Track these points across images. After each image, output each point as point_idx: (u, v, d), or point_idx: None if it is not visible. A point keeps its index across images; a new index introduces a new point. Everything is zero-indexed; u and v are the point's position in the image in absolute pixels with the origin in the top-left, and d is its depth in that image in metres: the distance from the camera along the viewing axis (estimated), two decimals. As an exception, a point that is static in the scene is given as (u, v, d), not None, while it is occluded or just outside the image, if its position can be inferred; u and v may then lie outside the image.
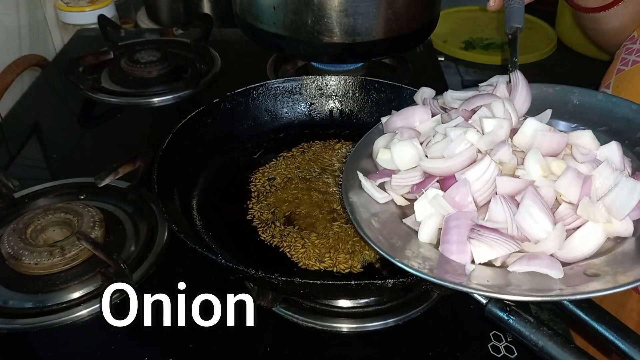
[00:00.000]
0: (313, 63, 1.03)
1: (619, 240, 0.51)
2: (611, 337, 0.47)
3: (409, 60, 1.10)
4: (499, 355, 0.58)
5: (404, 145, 0.58)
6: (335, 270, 0.62)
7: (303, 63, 1.08)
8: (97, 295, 0.63)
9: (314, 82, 0.85)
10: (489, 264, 0.50)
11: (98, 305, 0.62)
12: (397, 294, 0.64)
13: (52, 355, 0.59)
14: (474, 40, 1.43)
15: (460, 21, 1.53)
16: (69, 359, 0.59)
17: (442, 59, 1.35)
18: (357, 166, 0.61)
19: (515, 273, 0.49)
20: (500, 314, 0.48)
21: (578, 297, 0.45)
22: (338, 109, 0.86)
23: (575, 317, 0.49)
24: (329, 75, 0.86)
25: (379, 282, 0.53)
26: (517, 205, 0.51)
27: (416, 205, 0.54)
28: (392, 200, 0.58)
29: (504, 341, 0.59)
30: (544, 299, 0.46)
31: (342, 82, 0.85)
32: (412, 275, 0.49)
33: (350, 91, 0.86)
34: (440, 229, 0.53)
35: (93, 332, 0.61)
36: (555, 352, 0.45)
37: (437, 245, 0.53)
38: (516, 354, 0.58)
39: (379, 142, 0.63)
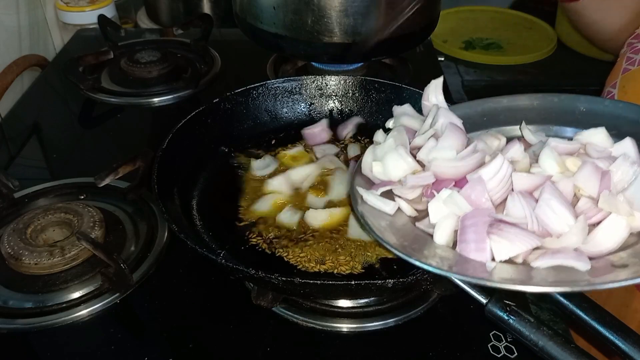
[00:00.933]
0: (313, 63, 1.03)
1: None
2: (611, 337, 0.47)
3: (409, 60, 1.10)
4: (499, 355, 0.58)
5: (395, 155, 0.57)
6: (336, 272, 0.62)
7: (303, 63, 1.08)
8: (97, 295, 0.64)
9: (314, 82, 0.85)
10: (509, 261, 0.49)
11: (98, 305, 0.62)
12: (397, 294, 0.64)
13: (52, 355, 0.59)
14: (474, 40, 1.43)
15: (460, 21, 1.53)
16: (69, 359, 0.59)
17: (442, 59, 1.35)
18: (358, 181, 0.60)
19: (539, 269, 0.48)
20: (500, 314, 0.48)
21: (609, 285, 0.44)
22: (338, 109, 0.86)
23: (576, 317, 0.49)
24: (329, 75, 0.86)
25: (379, 282, 0.53)
26: (535, 201, 0.50)
27: (430, 206, 0.53)
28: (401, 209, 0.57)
29: (504, 341, 0.59)
30: (575, 288, 0.45)
31: (342, 82, 0.85)
32: (418, 274, 0.49)
33: (350, 91, 0.86)
34: (456, 231, 0.52)
35: (93, 332, 0.61)
36: (555, 352, 0.45)
37: (454, 247, 0.52)
38: (516, 354, 0.58)
39: (368, 157, 0.61)
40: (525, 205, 0.50)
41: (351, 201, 0.59)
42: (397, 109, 0.66)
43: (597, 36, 0.84)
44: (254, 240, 0.66)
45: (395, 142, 0.59)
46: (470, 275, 0.46)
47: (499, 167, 0.52)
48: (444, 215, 0.53)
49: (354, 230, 0.65)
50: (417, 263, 0.48)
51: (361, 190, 0.58)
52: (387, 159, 0.58)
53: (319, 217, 0.67)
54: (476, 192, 0.51)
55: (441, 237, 0.52)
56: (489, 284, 0.46)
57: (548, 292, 0.46)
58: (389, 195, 0.58)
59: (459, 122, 0.59)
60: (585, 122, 0.61)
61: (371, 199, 0.57)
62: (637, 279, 0.44)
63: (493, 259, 0.49)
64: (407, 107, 0.66)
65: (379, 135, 0.63)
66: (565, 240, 0.49)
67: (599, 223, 0.49)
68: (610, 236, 0.48)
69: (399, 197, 0.57)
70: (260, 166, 0.76)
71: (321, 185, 0.73)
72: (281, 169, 0.75)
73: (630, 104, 0.61)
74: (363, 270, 0.62)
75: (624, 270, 0.46)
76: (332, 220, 0.67)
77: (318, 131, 0.81)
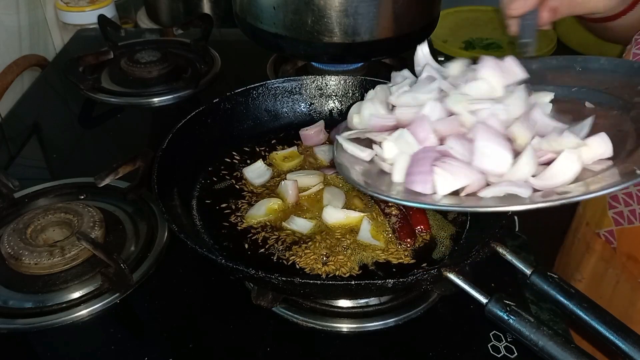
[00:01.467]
0: (313, 63, 1.03)
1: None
2: (611, 337, 0.47)
3: (409, 60, 1.10)
4: (499, 355, 0.58)
5: (369, 104, 0.62)
6: (337, 273, 0.62)
7: (303, 63, 1.08)
8: (97, 295, 0.64)
9: (314, 82, 0.85)
10: (456, 194, 0.52)
11: (98, 305, 0.62)
12: (397, 293, 0.64)
13: (52, 355, 0.59)
14: (474, 40, 1.42)
15: (460, 21, 1.52)
16: (69, 359, 0.59)
17: (442, 59, 1.34)
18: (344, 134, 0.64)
19: (485, 198, 0.50)
20: (500, 314, 0.48)
21: (549, 204, 0.47)
22: (338, 109, 0.86)
23: (576, 317, 0.49)
24: (329, 75, 0.86)
25: (379, 282, 0.53)
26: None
27: (384, 144, 0.57)
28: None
29: (504, 341, 0.59)
30: (517, 207, 0.47)
31: (342, 82, 0.85)
32: (418, 274, 0.50)
33: (350, 91, 0.86)
34: None
35: (93, 332, 0.61)
36: (555, 352, 0.45)
37: None
38: (516, 354, 0.58)
39: (353, 111, 0.66)
40: (466, 152, 0.53)
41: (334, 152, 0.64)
42: (395, 74, 0.69)
43: (623, 40, 0.84)
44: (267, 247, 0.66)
45: (376, 95, 0.64)
46: (415, 200, 0.51)
47: (438, 106, 0.56)
48: (396, 154, 0.56)
49: (364, 234, 0.65)
50: (371, 193, 0.54)
51: (341, 139, 0.62)
52: (363, 109, 0.63)
53: (334, 215, 0.67)
54: (423, 130, 0.55)
55: (398, 175, 0.56)
56: (432, 207, 0.52)
57: (490, 212, 0.49)
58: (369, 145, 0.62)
59: (436, 75, 0.62)
60: (580, 80, 0.63)
61: (350, 147, 0.61)
62: (576, 198, 0.47)
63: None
64: (405, 72, 0.69)
65: (369, 93, 0.67)
66: (516, 173, 0.50)
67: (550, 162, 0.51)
68: (563, 171, 0.50)
69: (374, 142, 0.61)
70: (253, 176, 0.74)
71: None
72: (278, 177, 0.75)
73: (625, 60, 0.62)
74: (360, 272, 0.62)
75: (567, 194, 0.48)
76: (348, 221, 0.67)
77: (315, 132, 0.81)
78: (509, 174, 0.51)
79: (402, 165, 0.56)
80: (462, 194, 0.51)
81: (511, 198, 0.49)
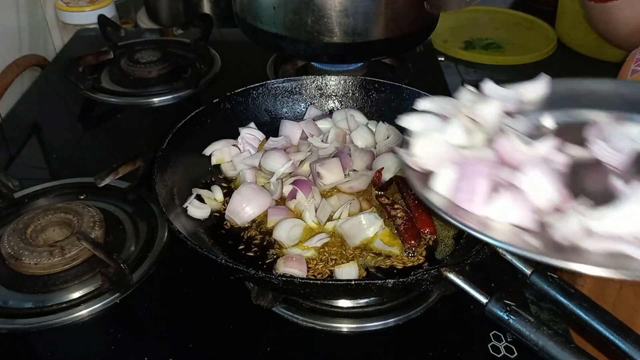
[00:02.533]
0: (313, 63, 1.03)
1: None
2: (611, 337, 0.47)
3: (409, 60, 1.10)
4: (499, 355, 0.58)
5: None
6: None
7: (303, 63, 1.08)
8: (97, 295, 0.64)
9: (314, 82, 0.85)
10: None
11: (98, 305, 0.62)
12: (397, 293, 0.64)
13: (52, 355, 0.59)
14: (474, 40, 1.43)
15: (460, 21, 1.52)
16: (69, 359, 0.59)
17: (442, 59, 1.34)
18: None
19: (589, 252, 0.41)
20: (500, 313, 0.48)
21: None
22: (338, 109, 0.86)
23: (576, 317, 0.49)
24: (329, 75, 0.86)
25: (379, 282, 0.53)
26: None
27: (415, 141, 0.51)
28: None
29: (504, 341, 0.59)
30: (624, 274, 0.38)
31: (342, 82, 0.85)
32: (418, 274, 0.50)
33: (350, 91, 0.86)
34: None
35: (93, 332, 0.61)
36: (555, 352, 0.45)
37: None
38: (516, 354, 0.58)
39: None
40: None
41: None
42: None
43: (622, 32, 0.83)
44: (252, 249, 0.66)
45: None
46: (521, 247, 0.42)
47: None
48: (437, 161, 0.50)
49: (378, 242, 0.65)
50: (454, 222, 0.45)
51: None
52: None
53: (360, 237, 0.65)
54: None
55: (441, 186, 0.49)
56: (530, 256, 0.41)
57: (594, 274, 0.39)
58: None
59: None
60: (624, 106, 0.56)
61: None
62: None
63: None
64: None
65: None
66: (622, 223, 0.40)
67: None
68: None
69: None
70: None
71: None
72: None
73: None
74: (365, 274, 0.62)
75: None
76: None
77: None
78: (608, 223, 0.41)
79: (446, 177, 0.48)
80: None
81: (619, 257, 0.40)
